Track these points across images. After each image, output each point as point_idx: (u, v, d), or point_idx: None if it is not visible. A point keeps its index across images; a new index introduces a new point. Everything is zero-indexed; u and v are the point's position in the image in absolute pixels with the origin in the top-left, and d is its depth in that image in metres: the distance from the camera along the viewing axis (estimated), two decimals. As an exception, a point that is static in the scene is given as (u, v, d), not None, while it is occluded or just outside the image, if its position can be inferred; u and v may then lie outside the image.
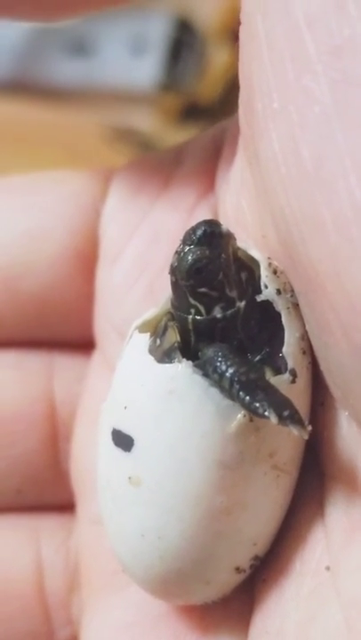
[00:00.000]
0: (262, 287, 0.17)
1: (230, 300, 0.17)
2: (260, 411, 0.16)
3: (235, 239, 0.18)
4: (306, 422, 0.16)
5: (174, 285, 0.18)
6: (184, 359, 0.17)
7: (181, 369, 0.17)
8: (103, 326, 0.23)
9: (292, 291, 0.17)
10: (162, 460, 0.17)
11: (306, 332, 0.17)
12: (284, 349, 0.17)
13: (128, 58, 0.68)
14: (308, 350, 0.17)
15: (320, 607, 0.17)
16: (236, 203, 0.19)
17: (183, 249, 0.17)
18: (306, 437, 0.16)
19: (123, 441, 0.18)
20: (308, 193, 0.15)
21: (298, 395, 0.17)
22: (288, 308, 0.17)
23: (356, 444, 0.17)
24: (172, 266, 0.17)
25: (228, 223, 0.20)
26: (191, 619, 0.20)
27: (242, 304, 0.17)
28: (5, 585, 0.23)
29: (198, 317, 0.17)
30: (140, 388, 0.17)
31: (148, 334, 0.18)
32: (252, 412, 0.16)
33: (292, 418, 0.16)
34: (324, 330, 0.16)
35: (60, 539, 0.24)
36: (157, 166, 0.23)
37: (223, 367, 0.16)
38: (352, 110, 0.14)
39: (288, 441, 0.17)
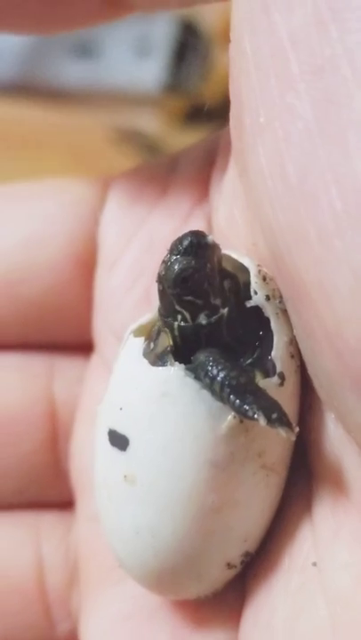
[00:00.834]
0: (252, 293, 0.18)
1: (214, 307, 0.18)
2: (250, 413, 0.17)
3: (220, 249, 0.18)
4: (294, 424, 0.17)
5: (161, 293, 0.18)
6: (176, 362, 0.18)
7: (174, 372, 0.17)
8: (101, 329, 0.24)
9: (281, 297, 0.18)
10: (155, 459, 0.18)
11: (294, 337, 0.18)
12: (273, 353, 0.18)
13: (133, 60, 0.69)
14: (297, 354, 0.18)
15: (307, 602, 0.17)
16: (228, 212, 0.20)
17: (170, 258, 0.18)
18: (293, 439, 0.17)
19: (118, 441, 0.18)
20: (293, 206, 0.15)
21: (286, 397, 0.18)
22: (277, 313, 0.18)
23: (341, 446, 0.17)
24: (159, 274, 0.18)
25: (221, 231, 0.20)
26: (186, 612, 0.20)
27: (225, 311, 0.18)
28: (7, 580, 0.24)
29: (184, 324, 0.18)
30: (135, 390, 0.18)
31: (143, 338, 0.19)
32: (242, 415, 0.17)
33: (280, 420, 0.16)
34: (309, 336, 0.16)
35: (60, 535, 0.24)
36: (154, 175, 0.23)
37: (214, 371, 0.17)
38: (333, 127, 0.14)
39: (276, 442, 0.18)
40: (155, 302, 0.20)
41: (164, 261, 0.18)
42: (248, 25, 0.16)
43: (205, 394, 0.17)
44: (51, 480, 0.25)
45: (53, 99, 0.66)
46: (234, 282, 0.18)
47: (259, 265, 0.18)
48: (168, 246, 0.21)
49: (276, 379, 0.18)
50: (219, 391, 0.17)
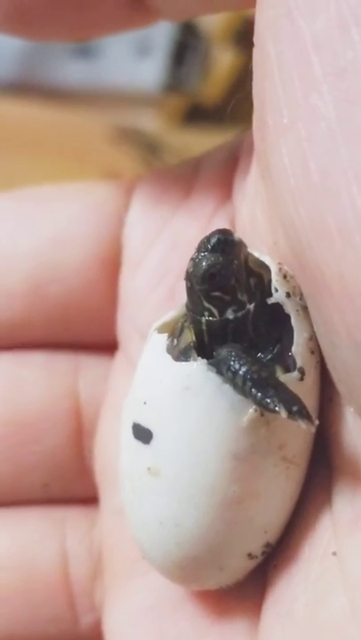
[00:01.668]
0: (273, 291, 0.18)
1: (241, 303, 0.18)
2: (271, 406, 0.17)
3: (246, 247, 0.19)
4: (313, 417, 0.18)
5: (189, 289, 0.19)
6: (199, 358, 0.18)
7: (197, 367, 0.18)
8: (126, 328, 0.24)
9: (301, 294, 0.18)
10: (179, 451, 0.18)
11: (314, 333, 0.18)
12: (293, 349, 0.18)
13: (133, 60, 0.69)
14: (317, 350, 0.18)
15: (327, 590, 0.18)
16: (251, 212, 0.21)
17: (198, 256, 0.18)
18: (313, 431, 0.17)
19: (142, 434, 0.19)
20: (315, 203, 0.16)
21: (306, 391, 0.18)
22: (297, 310, 0.18)
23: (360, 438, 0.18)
24: (187, 271, 0.19)
25: (244, 231, 0.21)
26: (208, 603, 0.21)
27: (251, 306, 0.18)
28: (32, 573, 0.25)
29: (212, 319, 0.18)
30: (159, 384, 0.18)
31: (166, 335, 0.19)
32: (264, 408, 0.17)
33: (301, 413, 0.17)
34: (330, 329, 0.17)
35: (84, 529, 0.25)
36: (177, 177, 0.24)
37: (237, 366, 0.17)
38: (354, 127, 0.15)
39: (297, 434, 0.18)
40: (178, 301, 0.21)
41: (192, 259, 0.18)
42: (272, 30, 0.17)
43: (227, 388, 0.18)
44: (75, 475, 0.25)
45: (53, 98, 0.66)
46: (260, 280, 0.19)
47: (280, 263, 0.19)
48: (192, 247, 0.21)
49: (296, 373, 0.18)
50: (241, 385, 0.17)
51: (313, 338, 0.18)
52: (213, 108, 0.70)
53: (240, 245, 0.18)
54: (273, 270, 0.18)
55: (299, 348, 0.18)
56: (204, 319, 0.19)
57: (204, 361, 0.18)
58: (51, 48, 0.68)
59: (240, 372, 0.17)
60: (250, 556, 0.19)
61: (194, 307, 0.19)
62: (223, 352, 0.18)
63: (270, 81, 0.17)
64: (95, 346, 0.25)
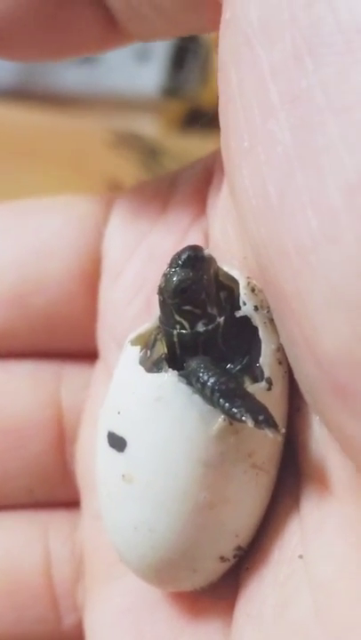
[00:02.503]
0: (241, 304, 0.19)
1: (211, 316, 0.19)
2: (238, 416, 0.18)
3: (215, 262, 0.19)
4: (280, 426, 0.18)
5: (162, 303, 0.20)
6: (170, 369, 0.19)
7: (168, 378, 0.19)
8: (105, 338, 0.25)
9: (269, 307, 0.19)
10: (151, 459, 0.19)
11: (281, 345, 0.19)
12: (261, 360, 0.19)
13: (132, 64, 0.69)
14: (284, 361, 0.19)
15: (293, 592, 0.19)
16: (222, 227, 0.21)
17: (170, 271, 0.19)
18: (279, 439, 0.18)
19: (117, 442, 0.19)
20: (274, 223, 0.16)
21: (274, 401, 0.19)
22: (265, 322, 0.19)
23: (326, 446, 0.19)
24: (160, 286, 0.19)
25: (216, 246, 0.22)
26: (183, 604, 0.22)
27: (221, 319, 0.19)
28: (17, 576, 0.25)
29: (183, 331, 0.19)
30: (132, 395, 0.19)
31: (140, 347, 0.20)
32: (231, 417, 0.18)
33: (267, 421, 0.18)
34: (293, 343, 0.18)
35: (67, 533, 0.26)
36: (155, 192, 0.25)
37: (205, 377, 0.18)
38: (308, 152, 0.16)
39: (265, 442, 0.19)
40: (154, 312, 0.22)
41: (164, 274, 0.19)
42: (233, 57, 0.17)
43: (197, 398, 0.18)
44: (58, 481, 0.26)
45: (53, 103, 0.66)
46: (230, 293, 0.20)
47: (248, 277, 0.19)
48: (168, 260, 0.22)
49: (263, 384, 0.19)
50: (210, 395, 0.18)
51: (280, 349, 0.19)
52: (213, 112, 0.70)
53: (210, 261, 0.19)
54: (241, 284, 0.19)
55: (266, 359, 0.19)
56: (175, 332, 0.19)
57: (175, 372, 0.19)
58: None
59: (208, 384, 0.18)
60: (222, 558, 0.20)
61: (166, 320, 0.20)
62: (193, 364, 0.19)
63: (232, 106, 0.17)
64: (77, 355, 0.26)
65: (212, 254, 0.19)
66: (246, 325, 0.19)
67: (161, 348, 0.20)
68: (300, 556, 0.19)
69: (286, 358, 0.19)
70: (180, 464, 0.19)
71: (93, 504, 0.24)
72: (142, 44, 0.75)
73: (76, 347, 0.26)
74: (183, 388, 0.19)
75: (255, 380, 0.19)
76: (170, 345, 0.20)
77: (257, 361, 0.19)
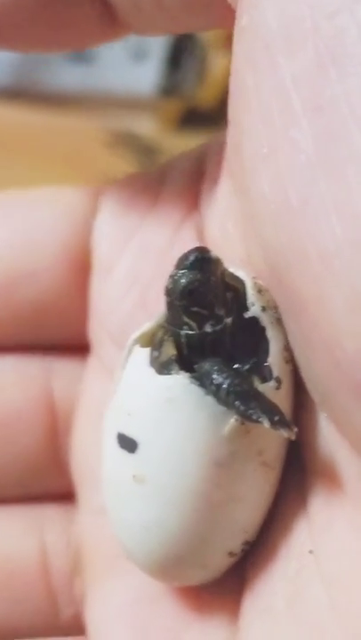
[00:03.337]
0: (249, 305, 0.19)
1: (219, 317, 0.19)
2: (255, 417, 0.18)
3: (222, 263, 0.20)
4: (293, 425, 0.19)
5: (169, 305, 0.20)
6: (181, 371, 0.19)
7: (179, 380, 0.19)
8: (98, 333, 0.25)
9: (276, 307, 0.19)
10: (163, 460, 0.19)
11: (288, 343, 0.19)
12: (270, 359, 0.19)
13: (128, 64, 0.69)
14: (291, 359, 0.19)
15: (305, 586, 0.19)
16: (222, 225, 0.21)
17: (177, 273, 0.19)
18: (293, 438, 0.18)
19: (127, 444, 0.20)
20: (295, 228, 0.17)
21: (282, 399, 0.19)
22: (272, 322, 0.19)
23: (333, 442, 0.19)
24: (167, 288, 0.19)
25: (214, 243, 0.22)
26: (188, 598, 0.22)
27: (229, 320, 0.19)
28: (13, 569, 0.25)
29: (191, 332, 0.19)
30: (142, 397, 0.19)
31: (149, 349, 0.20)
32: (247, 419, 0.18)
33: (282, 422, 0.18)
34: (307, 344, 0.18)
35: (62, 526, 0.26)
36: (145, 185, 0.25)
37: (220, 380, 0.18)
38: (333, 161, 0.16)
39: (275, 440, 0.19)
40: (150, 308, 0.22)
41: (171, 276, 0.19)
42: (250, 62, 0.17)
43: (208, 399, 0.19)
44: (52, 473, 0.26)
45: (49, 103, 0.66)
46: (236, 293, 0.20)
47: (254, 277, 0.20)
48: (160, 254, 0.22)
49: (273, 383, 0.19)
50: (224, 397, 0.18)
51: (287, 348, 0.19)
52: (209, 111, 0.70)
53: (217, 262, 0.19)
54: (248, 285, 0.19)
55: (274, 359, 0.19)
56: (183, 332, 0.19)
57: (187, 374, 0.19)
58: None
59: (224, 386, 0.18)
60: (231, 554, 0.20)
61: (173, 321, 0.20)
62: (206, 366, 0.19)
63: (248, 111, 0.18)
64: (67, 348, 0.26)
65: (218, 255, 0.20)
66: (253, 325, 0.19)
67: (169, 349, 0.20)
68: (311, 552, 0.19)
69: (292, 356, 0.19)
70: (191, 464, 0.19)
71: (94, 500, 0.24)
72: (139, 43, 0.75)
73: (65, 341, 0.26)
74: (195, 389, 0.19)
75: (264, 379, 0.19)
76: (177, 345, 0.20)
77: (265, 360, 0.19)
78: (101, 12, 0.22)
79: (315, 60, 0.16)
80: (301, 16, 0.16)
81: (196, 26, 0.22)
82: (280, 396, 0.19)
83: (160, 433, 0.19)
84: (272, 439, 0.19)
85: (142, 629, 0.22)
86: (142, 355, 0.20)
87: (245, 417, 0.18)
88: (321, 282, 0.16)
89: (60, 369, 0.26)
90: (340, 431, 0.18)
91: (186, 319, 0.19)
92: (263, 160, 0.17)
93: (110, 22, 0.22)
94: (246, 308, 0.19)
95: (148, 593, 0.22)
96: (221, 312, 0.19)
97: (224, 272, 0.20)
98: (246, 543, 0.21)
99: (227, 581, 0.21)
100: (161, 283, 0.21)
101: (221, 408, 0.19)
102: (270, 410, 0.18)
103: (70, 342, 0.26)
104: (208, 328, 0.19)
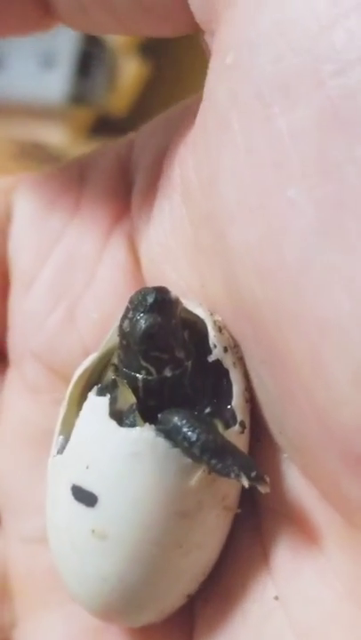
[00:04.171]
0: (211, 346, 0.18)
1: (179, 360, 0.18)
2: (232, 475, 0.17)
3: (181, 303, 0.19)
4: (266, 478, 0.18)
5: (125, 348, 0.18)
6: (146, 423, 0.18)
7: (144, 434, 0.18)
8: (19, 348, 0.23)
9: (235, 346, 0.19)
10: (126, 514, 0.18)
11: (248, 383, 0.19)
12: (233, 402, 0.18)
13: (37, 71, 0.67)
14: (250, 399, 0.19)
15: (274, 635, 0.18)
16: (163, 242, 0.20)
17: (135, 316, 0.18)
18: (268, 491, 0.18)
19: (85, 497, 0.18)
20: (290, 291, 0.16)
21: (245, 441, 0.19)
22: (234, 363, 0.19)
23: (300, 487, 0.18)
24: (123, 330, 0.18)
25: (153, 259, 0.20)
26: (134, 632, 0.21)
27: (189, 363, 0.18)
28: None
29: (149, 377, 0.18)
30: (102, 449, 0.18)
31: (107, 397, 0.19)
32: (224, 476, 0.18)
33: (258, 478, 0.17)
34: (288, 398, 0.17)
35: None
36: (63, 186, 0.23)
37: (193, 437, 0.17)
38: (340, 233, 0.15)
39: (236, 484, 0.19)
40: (80, 325, 0.21)
41: (128, 318, 0.18)
42: (238, 105, 0.16)
43: (175, 452, 0.18)
44: None
45: None
46: (192, 331, 0.19)
47: (212, 314, 0.19)
48: (87, 263, 0.21)
49: (237, 427, 0.18)
50: (198, 455, 0.17)
51: (248, 388, 0.19)
52: (120, 119, 0.69)
53: (177, 303, 0.18)
54: (209, 326, 0.18)
55: (237, 401, 0.19)
56: (141, 377, 0.18)
57: (152, 427, 0.18)
58: None
59: (198, 443, 0.17)
60: (188, 596, 0.20)
61: (130, 364, 0.18)
62: (174, 420, 0.18)
63: (233, 151, 0.16)
64: None
65: (177, 295, 0.19)
66: (214, 367, 0.19)
67: (127, 395, 0.19)
68: (276, 598, 0.19)
69: (252, 396, 0.19)
70: (156, 516, 0.18)
71: (23, 528, 0.23)
72: (47, 48, 0.72)
73: None
74: (161, 442, 0.18)
75: (226, 422, 0.18)
76: (134, 389, 0.19)
77: (227, 403, 0.19)
78: (38, 6, 0.20)
79: (318, 121, 0.15)
80: (303, 69, 0.15)
81: (147, 31, 0.20)
82: (243, 440, 0.19)
83: (123, 487, 0.18)
84: (234, 484, 0.19)
85: None
86: (99, 404, 0.19)
87: (222, 474, 0.17)
88: (318, 351, 0.15)
89: None
90: (308, 478, 0.18)
91: (144, 363, 0.18)
92: (251, 213, 0.16)
93: (47, 15, 0.20)
94: (208, 350, 0.18)
95: (90, 626, 0.21)
96: (181, 355, 0.18)
97: (182, 311, 0.19)
98: (202, 583, 0.20)
99: (175, 618, 0.20)
100: (91, 296, 0.20)
101: (188, 460, 0.18)
102: (247, 465, 0.18)
103: None
104: (168, 372, 0.18)
